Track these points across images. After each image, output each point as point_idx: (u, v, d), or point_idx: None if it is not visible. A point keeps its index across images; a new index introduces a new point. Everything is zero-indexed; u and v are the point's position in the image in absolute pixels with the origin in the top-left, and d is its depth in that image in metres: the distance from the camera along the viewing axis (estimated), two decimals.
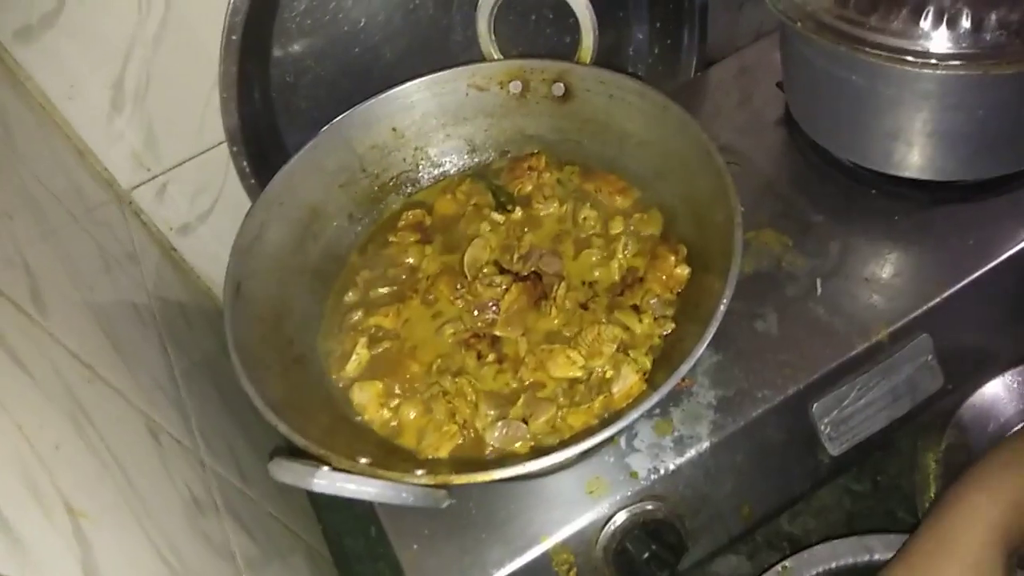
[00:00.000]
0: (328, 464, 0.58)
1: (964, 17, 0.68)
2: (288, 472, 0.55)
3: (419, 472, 0.60)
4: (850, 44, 0.72)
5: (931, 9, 0.69)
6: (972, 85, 0.71)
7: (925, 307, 0.78)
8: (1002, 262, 0.79)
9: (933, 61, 0.69)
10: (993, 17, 0.67)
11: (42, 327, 0.56)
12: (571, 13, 0.83)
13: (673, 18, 1.06)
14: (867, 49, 0.71)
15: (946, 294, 0.78)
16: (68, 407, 0.54)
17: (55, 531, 0.45)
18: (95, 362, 0.61)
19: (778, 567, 0.74)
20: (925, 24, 0.69)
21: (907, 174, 0.82)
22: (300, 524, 0.91)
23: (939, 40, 0.69)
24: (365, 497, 0.55)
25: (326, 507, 1.00)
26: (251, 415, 0.63)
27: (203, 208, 0.98)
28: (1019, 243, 0.79)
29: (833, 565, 0.73)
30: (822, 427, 0.76)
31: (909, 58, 0.70)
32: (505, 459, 0.68)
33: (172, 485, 0.63)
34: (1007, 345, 0.86)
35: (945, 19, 0.68)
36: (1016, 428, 0.85)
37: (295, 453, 0.61)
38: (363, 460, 0.61)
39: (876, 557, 0.72)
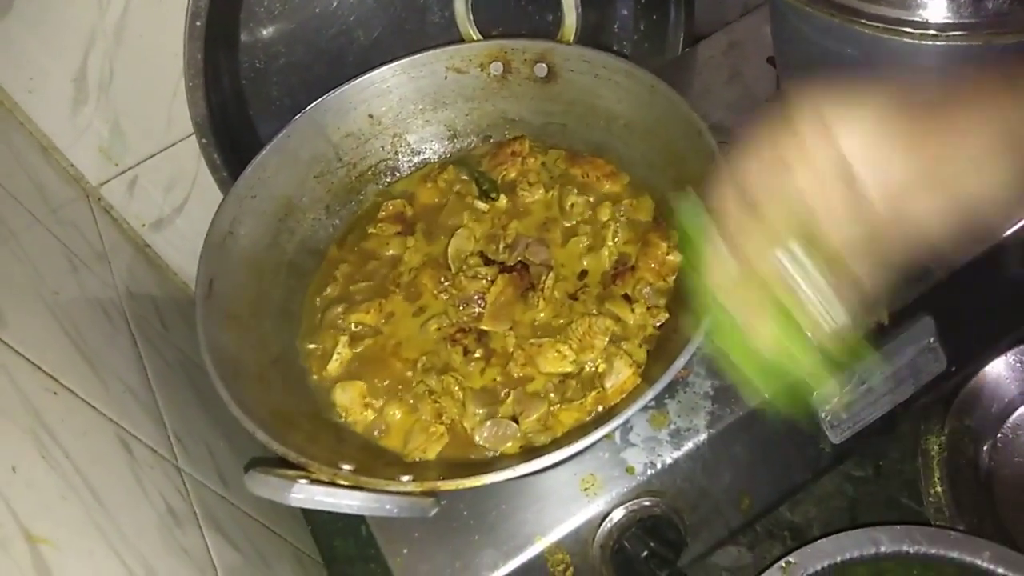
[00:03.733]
0: (308, 473, 0.55)
1: None
2: (264, 486, 0.52)
3: (405, 478, 0.57)
4: (845, 16, 0.69)
5: None
6: (973, 56, 0.68)
7: (927, 288, 0.75)
8: (1004, 239, 0.76)
9: (932, 32, 0.66)
10: None
11: None
12: None
13: None
14: (863, 20, 0.68)
15: (948, 274, 0.75)
16: (28, 423, 0.50)
17: (12, 563, 0.42)
18: (59, 372, 0.58)
19: (781, 562, 0.71)
20: None
21: None
22: (287, 527, 0.88)
23: (938, 9, 0.66)
24: (347, 510, 0.52)
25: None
26: (232, 415, 0.61)
27: (177, 202, 0.94)
28: (1022, 220, 0.77)
29: (838, 559, 0.70)
30: (823, 415, 0.74)
31: (907, 29, 0.66)
32: (495, 460, 0.65)
33: (146, 498, 0.60)
34: (1010, 323, 0.83)
35: None
36: None
37: (278, 459, 0.58)
38: (346, 466, 0.58)
39: (883, 550, 0.70)
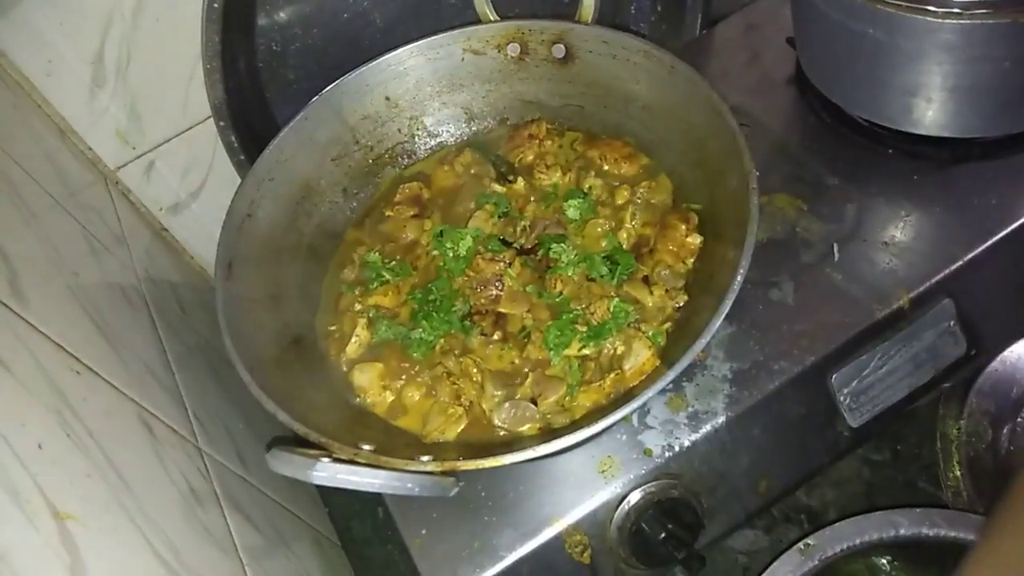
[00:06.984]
0: (329, 453, 0.56)
1: None
2: (287, 464, 0.52)
3: (425, 458, 0.57)
4: None
5: None
6: (998, 35, 0.67)
7: (947, 271, 0.74)
8: None
9: (956, 10, 0.65)
10: None
11: (21, 318, 0.53)
12: None
13: None
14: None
15: (968, 256, 0.75)
16: (52, 402, 0.51)
17: (39, 537, 0.42)
18: (81, 352, 0.59)
19: (800, 544, 0.71)
20: None
21: (926, 131, 0.78)
22: (305, 509, 0.88)
23: None
24: (369, 489, 0.53)
25: (332, 490, 0.97)
26: (250, 398, 0.61)
27: (193, 186, 0.95)
28: None
29: (857, 541, 0.70)
30: (841, 398, 0.74)
31: (931, 7, 0.66)
32: (514, 441, 0.65)
33: (168, 477, 0.61)
34: None
35: None
36: None
37: (297, 440, 0.59)
38: (366, 447, 0.58)
39: (902, 532, 0.69)
